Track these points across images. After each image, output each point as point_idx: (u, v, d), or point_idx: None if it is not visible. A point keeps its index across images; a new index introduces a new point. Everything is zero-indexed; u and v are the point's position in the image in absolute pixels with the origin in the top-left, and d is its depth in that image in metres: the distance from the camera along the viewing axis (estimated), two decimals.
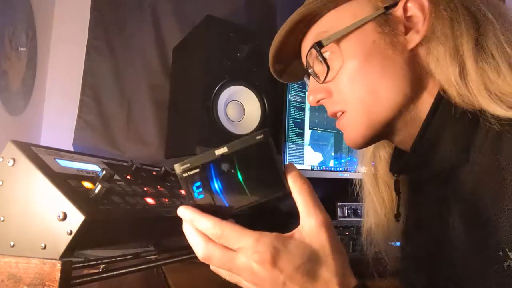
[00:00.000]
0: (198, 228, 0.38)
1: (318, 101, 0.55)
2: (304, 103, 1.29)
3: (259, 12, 1.58)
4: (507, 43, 0.45)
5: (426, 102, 0.48)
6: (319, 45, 0.50)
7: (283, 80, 0.64)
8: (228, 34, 1.11)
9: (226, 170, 0.38)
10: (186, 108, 1.17)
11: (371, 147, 0.64)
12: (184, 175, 0.38)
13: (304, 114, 1.29)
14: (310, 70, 0.54)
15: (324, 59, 0.50)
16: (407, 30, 0.48)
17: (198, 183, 0.38)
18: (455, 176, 0.48)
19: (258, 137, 0.38)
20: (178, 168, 0.38)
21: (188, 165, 0.38)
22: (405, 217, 0.60)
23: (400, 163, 0.53)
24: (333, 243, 0.37)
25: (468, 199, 0.46)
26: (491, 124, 0.43)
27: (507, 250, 0.40)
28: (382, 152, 0.62)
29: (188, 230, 0.39)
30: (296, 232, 0.38)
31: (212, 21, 1.10)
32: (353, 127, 0.52)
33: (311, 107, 1.30)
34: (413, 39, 0.48)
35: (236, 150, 0.37)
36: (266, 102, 1.15)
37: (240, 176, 0.38)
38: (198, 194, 0.38)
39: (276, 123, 1.21)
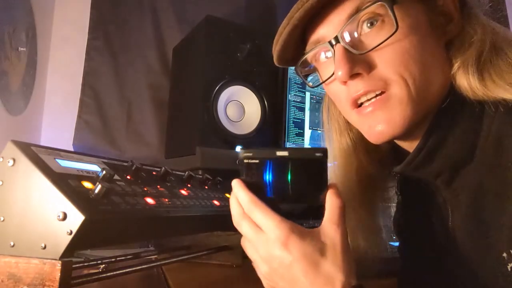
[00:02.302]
0: (238, 199, 0.44)
1: (352, 76, 0.45)
2: (304, 103, 1.29)
3: (259, 12, 1.58)
4: None
5: (443, 95, 0.47)
6: (392, 0, 0.43)
7: (287, 57, 0.54)
8: (228, 34, 1.11)
9: (279, 170, 0.44)
10: (186, 108, 1.18)
11: (351, 152, 0.60)
12: (245, 161, 0.44)
13: (304, 114, 1.28)
14: (343, 35, 0.46)
15: (395, 17, 0.42)
16: (446, 21, 0.48)
17: (254, 172, 0.44)
18: (458, 175, 0.48)
19: (317, 154, 0.43)
20: (242, 154, 0.45)
21: (251, 154, 0.44)
22: (404, 220, 0.60)
23: (403, 161, 0.51)
24: (344, 245, 0.42)
25: (470, 200, 0.46)
26: (497, 115, 0.43)
27: (511, 251, 0.40)
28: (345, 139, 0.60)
29: (231, 199, 0.45)
30: (315, 229, 0.43)
31: (212, 21, 1.10)
32: (398, 108, 0.45)
33: (311, 107, 1.30)
34: (452, 31, 0.48)
35: (295, 158, 0.43)
36: (266, 102, 1.15)
37: (289, 179, 0.43)
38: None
39: (276, 123, 1.21)
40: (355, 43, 0.46)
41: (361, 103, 0.47)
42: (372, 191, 0.60)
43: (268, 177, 0.44)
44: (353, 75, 0.45)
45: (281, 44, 0.51)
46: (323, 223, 0.43)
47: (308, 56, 0.52)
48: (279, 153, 0.43)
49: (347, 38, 0.46)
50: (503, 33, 0.47)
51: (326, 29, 0.48)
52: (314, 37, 0.50)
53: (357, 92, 0.46)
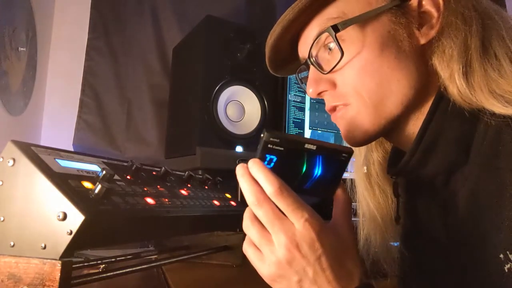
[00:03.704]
0: (257, 179, 0.41)
1: (319, 93, 0.51)
2: (304, 103, 1.29)
3: (259, 12, 1.58)
4: (511, 43, 0.45)
5: (429, 100, 0.48)
6: (335, 29, 0.46)
7: (279, 73, 0.61)
8: (228, 34, 1.11)
9: (302, 162, 0.43)
10: (186, 108, 1.18)
11: (362, 151, 0.62)
12: (269, 145, 0.42)
13: (304, 114, 1.29)
14: (312, 59, 0.51)
15: (339, 45, 0.46)
16: (421, 24, 0.47)
17: (274, 157, 0.42)
18: (454, 177, 0.47)
19: (343, 155, 0.44)
20: (267, 136, 0.42)
21: (277, 140, 0.42)
22: (403, 220, 0.60)
23: (398, 164, 0.52)
24: (356, 241, 0.44)
25: (467, 201, 0.46)
26: (490, 123, 0.43)
27: (507, 252, 0.40)
28: (375, 155, 0.61)
29: (245, 177, 0.42)
30: (331, 223, 0.44)
31: (212, 21, 1.10)
32: (356, 121, 0.49)
33: (311, 107, 1.30)
34: (427, 33, 0.47)
35: (321, 154, 0.43)
36: (266, 102, 1.15)
37: (310, 173, 0.43)
38: (268, 164, 0.42)
39: (276, 123, 1.22)
40: (322, 64, 0.51)
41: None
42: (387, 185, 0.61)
43: (288, 166, 0.42)
44: (320, 92, 0.51)
45: (269, 60, 0.57)
46: (336, 218, 0.44)
47: (302, 67, 0.57)
48: (307, 146, 0.42)
49: (316, 59, 0.51)
50: (500, 25, 0.46)
51: (303, 48, 0.53)
52: (300, 53, 0.55)
53: (328, 105, 0.52)
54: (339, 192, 0.45)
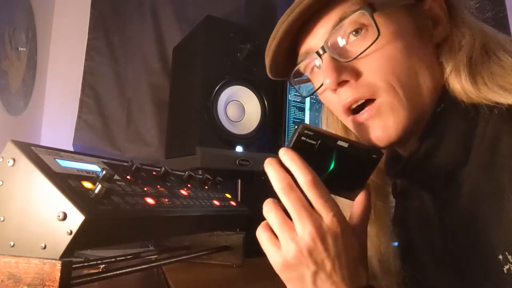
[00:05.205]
0: (296, 169, 0.41)
1: (340, 83, 0.46)
2: (304, 103, 1.29)
3: (259, 12, 1.58)
4: (505, 42, 0.46)
5: (436, 97, 0.47)
6: (372, 8, 0.43)
7: (277, 75, 0.57)
8: (228, 34, 1.11)
9: (331, 158, 0.43)
10: (186, 108, 1.18)
11: None
12: (302, 137, 0.42)
13: (304, 114, 1.29)
14: (329, 45, 0.46)
15: (376, 23, 0.43)
16: (434, 24, 0.48)
17: (304, 149, 0.42)
18: (453, 178, 0.47)
19: (373, 156, 0.44)
20: (301, 128, 0.42)
21: (311, 133, 0.42)
22: (402, 223, 0.60)
23: (399, 165, 0.52)
24: (367, 250, 0.45)
25: (466, 202, 0.46)
26: (490, 118, 0.43)
27: (506, 253, 0.40)
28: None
29: (275, 165, 0.42)
30: (352, 226, 0.44)
31: (212, 21, 1.10)
32: (391, 115, 0.45)
33: (311, 107, 1.30)
34: (440, 33, 0.48)
35: (352, 153, 0.43)
36: (266, 102, 1.15)
37: (338, 170, 0.43)
38: None
39: (276, 123, 1.22)
40: (342, 52, 0.46)
41: (355, 110, 0.48)
42: (378, 199, 0.59)
43: (316, 161, 0.42)
44: (341, 83, 0.46)
45: (270, 58, 0.52)
46: (354, 222, 0.44)
47: (300, 67, 0.53)
48: (340, 143, 0.43)
49: (334, 47, 0.47)
50: (493, 34, 0.48)
51: (314, 40, 0.49)
52: (303, 48, 0.51)
53: (347, 100, 0.47)
54: (362, 197, 0.45)
